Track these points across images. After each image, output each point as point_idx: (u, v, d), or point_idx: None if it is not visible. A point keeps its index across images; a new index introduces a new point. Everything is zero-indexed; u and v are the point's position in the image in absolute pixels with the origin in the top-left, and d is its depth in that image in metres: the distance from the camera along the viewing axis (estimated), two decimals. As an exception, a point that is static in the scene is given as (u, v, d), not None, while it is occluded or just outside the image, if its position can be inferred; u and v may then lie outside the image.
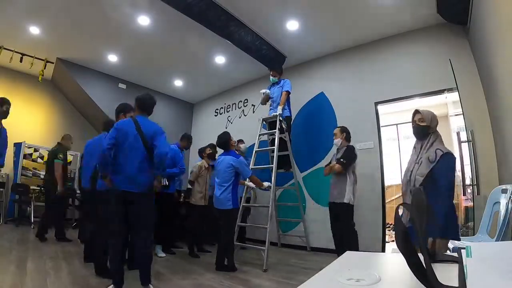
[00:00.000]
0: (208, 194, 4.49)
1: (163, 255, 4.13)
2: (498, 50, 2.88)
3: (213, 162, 4.39)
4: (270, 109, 5.01)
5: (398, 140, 6.82)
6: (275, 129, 4.54)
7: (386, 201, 4.69)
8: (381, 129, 4.68)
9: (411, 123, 2.30)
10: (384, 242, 4.33)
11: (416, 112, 2.28)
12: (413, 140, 2.34)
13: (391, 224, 5.63)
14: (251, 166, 4.52)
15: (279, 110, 4.63)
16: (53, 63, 6.03)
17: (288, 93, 4.81)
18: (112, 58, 5.87)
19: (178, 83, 7.01)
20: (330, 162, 3.85)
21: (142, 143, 2.59)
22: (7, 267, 2.98)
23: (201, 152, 4.88)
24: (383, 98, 4.64)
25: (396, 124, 6.88)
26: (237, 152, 4.18)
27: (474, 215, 3.28)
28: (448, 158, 2.06)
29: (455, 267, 0.54)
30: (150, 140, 2.60)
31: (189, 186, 4.74)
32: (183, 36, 4.97)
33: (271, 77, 5.01)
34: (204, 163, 4.57)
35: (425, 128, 2.21)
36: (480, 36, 3.45)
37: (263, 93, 5.00)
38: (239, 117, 6.76)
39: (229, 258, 3.58)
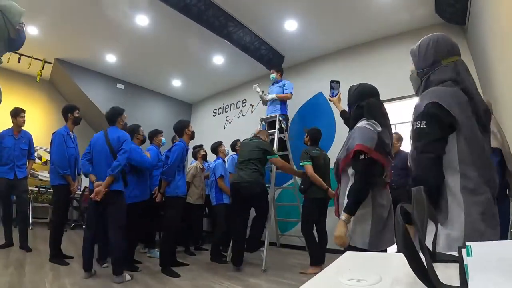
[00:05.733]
0: (205, 193, 4.73)
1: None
2: (496, 51, 2.89)
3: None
4: (268, 107, 5.03)
5: (397, 139, 6.83)
6: (274, 129, 4.55)
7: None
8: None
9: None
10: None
11: None
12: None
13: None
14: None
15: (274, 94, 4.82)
16: (51, 63, 6.01)
17: (291, 95, 4.88)
18: (111, 58, 5.86)
19: (177, 83, 7.00)
20: None
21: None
22: (6, 268, 2.97)
23: (195, 153, 5.06)
24: (382, 98, 4.57)
25: (395, 124, 6.88)
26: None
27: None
28: None
29: (456, 267, 0.54)
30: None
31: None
32: (181, 36, 4.97)
33: (272, 75, 5.03)
34: (199, 164, 4.78)
35: None
36: (478, 36, 3.46)
37: (255, 88, 4.92)
38: (238, 117, 6.76)
39: (216, 249, 4.06)
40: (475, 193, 1.06)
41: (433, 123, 1.12)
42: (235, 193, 3.63)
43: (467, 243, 0.48)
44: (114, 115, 3.25)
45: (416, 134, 1.16)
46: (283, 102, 4.92)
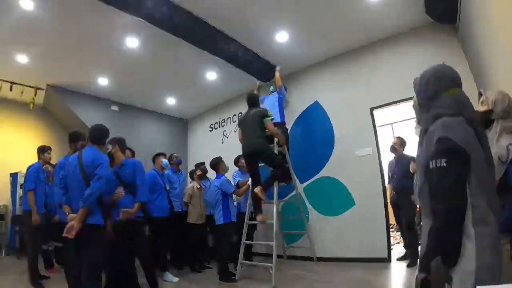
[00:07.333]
0: (205, 213, 4.73)
1: (175, 279, 3.98)
2: (489, 48, 2.87)
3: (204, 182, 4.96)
4: None
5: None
6: (273, 143, 4.50)
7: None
8: (377, 129, 4.67)
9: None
10: (389, 247, 4.25)
11: (480, 94, 1.89)
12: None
13: (393, 225, 5.60)
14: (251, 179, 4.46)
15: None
16: (43, 89, 5.97)
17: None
18: (103, 81, 5.82)
19: (171, 101, 6.97)
20: None
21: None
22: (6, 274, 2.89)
23: (192, 174, 5.12)
24: (378, 103, 4.61)
25: (391, 124, 6.87)
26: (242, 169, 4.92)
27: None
28: None
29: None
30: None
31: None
32: (172, 54, 4.95)
33: (271, 86, 5.26)
34: (196, 184, 4.76)
35: (488, 114, 1.76)
36: (470, 35, 3.45)
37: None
38: (235, 131, 6.70)
39: (224, 268, 3.97)
40: (485, 224, 1.04)
41: (453, 161, 1.06)
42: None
43: None
44: (103, 135, 2.84)
45: (436, 173, 1.08)
46: (281, 107, 4.91)
